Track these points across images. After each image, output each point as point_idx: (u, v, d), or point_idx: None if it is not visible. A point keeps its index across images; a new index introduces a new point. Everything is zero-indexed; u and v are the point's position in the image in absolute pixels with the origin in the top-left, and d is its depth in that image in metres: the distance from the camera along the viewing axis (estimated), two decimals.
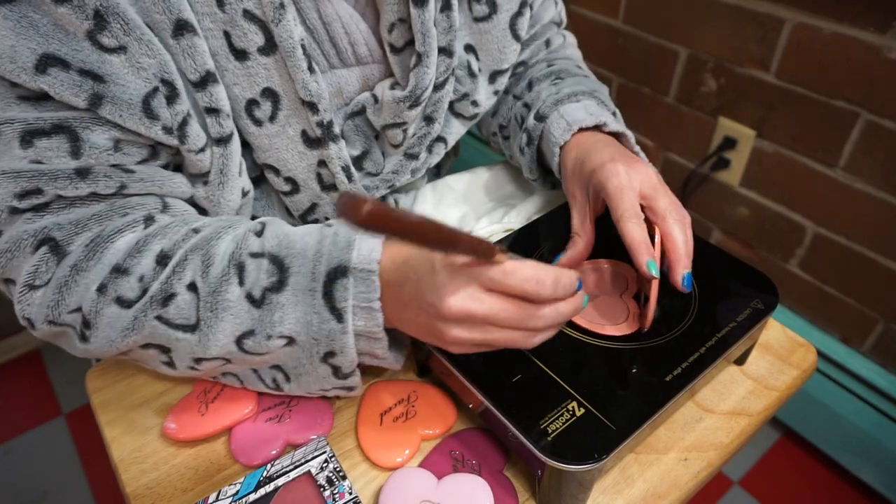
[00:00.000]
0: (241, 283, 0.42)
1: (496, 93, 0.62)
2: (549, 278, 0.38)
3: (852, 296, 1.14)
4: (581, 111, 0.57)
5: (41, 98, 0.40)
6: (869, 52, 0.95)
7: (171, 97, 0.42)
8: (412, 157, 0.60)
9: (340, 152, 0.52)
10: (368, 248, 0.42)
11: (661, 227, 0.47)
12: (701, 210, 1.33)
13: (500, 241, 0.53)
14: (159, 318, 0.42)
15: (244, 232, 0.44)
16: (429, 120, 0.58)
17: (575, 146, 0.55)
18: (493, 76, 0.61)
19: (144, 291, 0.42)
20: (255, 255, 0.43)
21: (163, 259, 0.43)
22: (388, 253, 0.42)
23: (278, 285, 0.42)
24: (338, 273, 0.41)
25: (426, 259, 0.40)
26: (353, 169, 0.54)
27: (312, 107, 0.48)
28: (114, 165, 0.43)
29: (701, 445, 0.48)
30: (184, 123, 0.44)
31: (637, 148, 0.56)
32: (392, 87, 0.53)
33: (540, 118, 0.59)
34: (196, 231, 0.45)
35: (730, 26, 1.11)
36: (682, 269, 0.46)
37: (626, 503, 0.44)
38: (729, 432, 0.49)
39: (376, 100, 0.54)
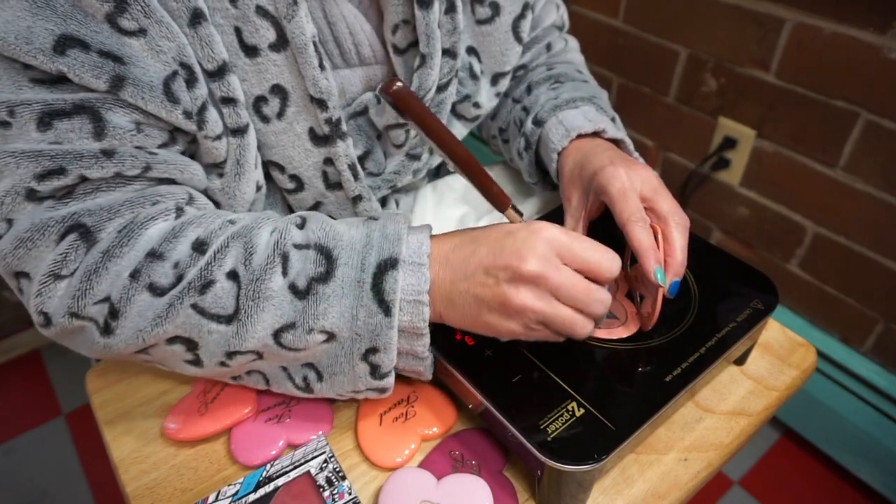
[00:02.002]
0: (285, 273, 0.41)
1: (498, 95, 0.62)
2: (611, 253, 0.42)
3: (852, 296, 1.14)
4: (580, 117, 0.57)
5: (57, 81, 0.39)
6: (869, 52, 0.95)
7: (191, 81, 0.42)
8: (414, 157, 0.60)
9: (348, 150, 0.52)
10: (417, 242, 0.42)
11: (664, 230, 0.47)
12: (701, 210, 1.33)
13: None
14: (195, 306, 0.40)
15: (285, 223, 0.44)
16: None
17: (573, 151, 0.55)
18: (495, 78, 0.61)
19: (180, 278, 0.41)
20: (299, 246, 0.42)
21: (199, 246, 0.42)
22: (437, 241, 0.43)
23: (326, 276, 0.41)
24: (388, 265, 0.41)
25: (498, 226, 0.42)
26: (359, 167, 0.54)
27: (322, 104, 0.48)
28: (137, 147, 0.42)
29: (701, 445, 0.48)
30: (203, 108, 0.43)
31: (636, 154, 0.56)
32: None
33: (538, 123, 0.59)
34: (232, 222, 0.44)
35: (730, 26, 1.11)
36: (674, 276, 0.46)
37: (626, 503, 0.44)
38: (729, 432, 0.49)
39: (379, 100, 0.54)
